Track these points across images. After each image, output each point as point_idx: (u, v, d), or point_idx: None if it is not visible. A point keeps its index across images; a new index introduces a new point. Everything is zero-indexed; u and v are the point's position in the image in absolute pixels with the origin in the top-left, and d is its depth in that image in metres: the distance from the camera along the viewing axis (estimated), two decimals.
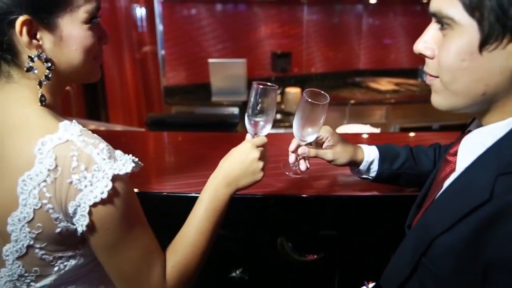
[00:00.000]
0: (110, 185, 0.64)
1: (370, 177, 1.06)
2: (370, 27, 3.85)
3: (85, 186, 0.63)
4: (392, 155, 1.03)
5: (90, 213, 0.64)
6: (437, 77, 0.64)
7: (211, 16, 3.37)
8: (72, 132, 0.65)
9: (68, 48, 0.68)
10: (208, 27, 3.37)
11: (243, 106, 3.00)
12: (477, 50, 0.57)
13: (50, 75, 0.68)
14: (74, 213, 0.65)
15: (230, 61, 3.31)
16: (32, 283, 0.71)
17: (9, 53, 0.66)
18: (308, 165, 1.01)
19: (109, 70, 3.33)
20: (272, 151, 0.99)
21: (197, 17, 3.33)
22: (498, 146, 0.60)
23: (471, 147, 0.65)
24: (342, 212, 1.22)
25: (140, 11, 3.37)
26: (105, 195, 0.64)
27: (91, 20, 0.69)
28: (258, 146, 0.87)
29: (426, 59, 0.65)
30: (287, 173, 1.03)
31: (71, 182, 0.63)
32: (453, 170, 0.69)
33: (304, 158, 1.00)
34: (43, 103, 0.68)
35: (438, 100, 0.65)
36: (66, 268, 0.71)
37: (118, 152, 0.69)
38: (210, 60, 3.25)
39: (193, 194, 1.11)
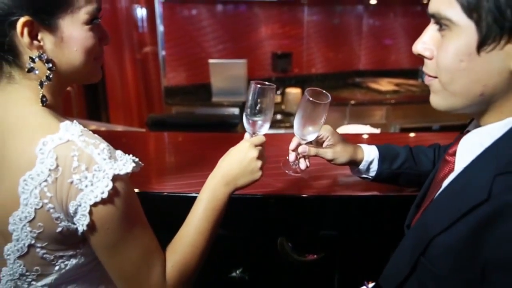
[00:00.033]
0: (110, 185, 0.65)
1: (370, 177, 1.06)
2: (370, 27, 3.85)
3: (86, 186, 0.64)
4: (392, 155, 1.03)
5: (90, 212, 0.65)
6: (435, 77, 0.64)
7: (211, 17, 3.37)
8: (73, 132, 0.66)
9: (69, 49, 0.69)
10: (208, 27, 3.37)
11: (243, 107, 2.98)
12: (475, 51, 0.57)
13: (51, 76, 0.68)
14: (75, 212, 0.65)
15: (230, 61, 3.30)
16: (33, 282, 0.72)
17: (11, 54, 0.66)
18: (308, 164, 1.01)
19: (109, 70, 3.34)
20: (272, 151, 0.99)
21: (198, 17, 3.34)
22: (496, 146, 0.60)
23: (470, 147, 0.66)
24: (342, 212, 1.22)
25: (140, 12, 3.38)
26: (105, 195, 0.64)
27: (92, 21, 0.69)
28: (256, 145, 0.87)
29: (425, 60, 0.65)
30: (286, 171, 1.03)
31: (72, 182, 0.63)
32: (452, 170, 0.70)
33: (304, 156, 1.00)
34: (44, 104, 0.68)
35: (437, 100, 0.66)
36: (67, 267, 0.72)
37: (119, 152, 0.69)
38: (211, 61, 3.25)
39: (194, 194, 1.11)
